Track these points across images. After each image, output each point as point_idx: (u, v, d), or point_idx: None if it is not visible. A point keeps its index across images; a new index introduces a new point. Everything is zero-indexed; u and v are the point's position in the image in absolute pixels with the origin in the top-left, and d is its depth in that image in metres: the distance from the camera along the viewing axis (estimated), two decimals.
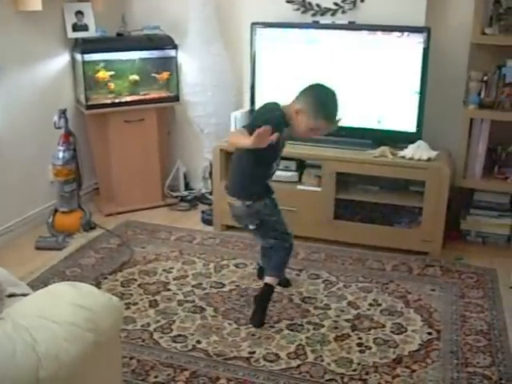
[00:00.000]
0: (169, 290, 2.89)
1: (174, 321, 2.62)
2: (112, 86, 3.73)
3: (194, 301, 2.79)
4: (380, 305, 2.76)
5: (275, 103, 2.55)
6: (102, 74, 3.67)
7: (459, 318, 2.65)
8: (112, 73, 3.70)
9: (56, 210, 3.47)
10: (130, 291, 2.88)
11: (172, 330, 2.56)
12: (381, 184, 3.39)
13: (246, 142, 2.32)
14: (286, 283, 2.90)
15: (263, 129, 2.22)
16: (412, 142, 3.25)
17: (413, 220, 3.30)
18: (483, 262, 3.19)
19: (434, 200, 3.12)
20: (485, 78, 3.23)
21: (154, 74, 3.85)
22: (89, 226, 3.54)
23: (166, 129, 4.04)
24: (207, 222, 3.66)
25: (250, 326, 2.58)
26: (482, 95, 3.23)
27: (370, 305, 2.76)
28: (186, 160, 4.15)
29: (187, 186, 4.16)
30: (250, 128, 2.38)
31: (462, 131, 3.23)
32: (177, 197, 4.06)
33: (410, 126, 3.29)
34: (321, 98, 2.49)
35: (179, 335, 2.52)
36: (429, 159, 3.14)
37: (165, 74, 3.83)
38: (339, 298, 2.82)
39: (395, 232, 3.28)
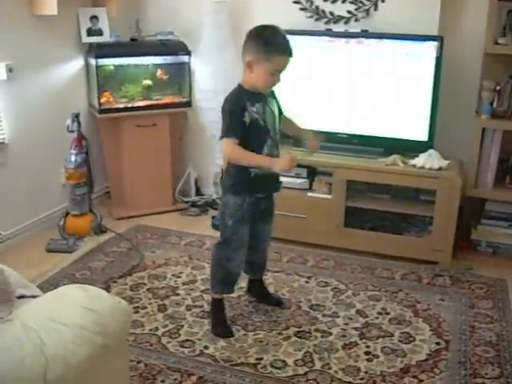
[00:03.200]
0: (178, 294, 2.90)
1: (182, 325, 2.63)
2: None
3: (202, 306, 2.79)
4: (388, 313, 2.75)
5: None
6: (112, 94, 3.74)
7: (468, 328, 2.64)
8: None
9: (67, 213, 3.49)
10: (138, 295, 2.89)
11: (180, 334, 2.56)
12: (391, 192, 3.38)
13: (275, 164, 2.31)
14: (276, 302, 2.82)
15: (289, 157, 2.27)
16: (423, 151, 3.24)
17: (423, 229, 3.29)
18: (493, 272, 3.17)
19: (444, 209, 3.11)
20: (497, 88, 3.22)
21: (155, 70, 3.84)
22: (99, 230, 3.56)
23: (179, 134, 4.06)
24: (217, 227, 3.66)
25: (259, 332, 2.58)
26: (495, 105, 3.22)
27: (379, 313, 2.75)
28: (197, 165, 4.16)
29: (198, 192, 4.16)
30: (233, 135, 2.33)
31: (475, 141, 3.22)
32: (187, 202, 4.07)
33: (422, 135, 3.28)
34: (263, 36, 2.33)
35: (187, 340, 2.52)
36: (440, 168, 3.13)
37: (161, 72, 3.84)
38: (348, 306, 2.81)
39: (405, 241, 3.27)
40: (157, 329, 2.60)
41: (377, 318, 2.71)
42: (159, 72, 3.83)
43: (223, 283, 2.63)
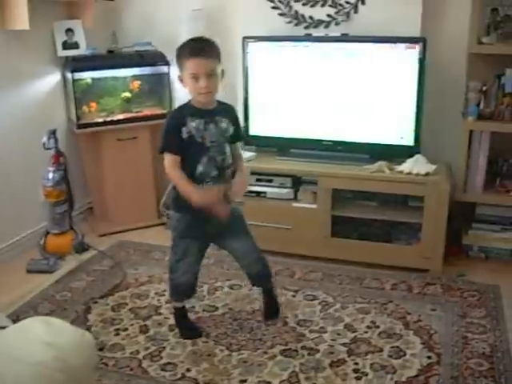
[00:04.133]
0: (160, 314, 2.80)
1: (164, 347, 2.53)
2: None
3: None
4: (378, 327, 2.65)
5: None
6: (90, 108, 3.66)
7: (460, 339, 2.54)
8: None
9: (47, 232, 3.39)
10: (120, 316, 2.79)
11: (162, 357, 2.46)
12: (379, 199, 3.29)
13: (192, 196, 2.33)
14: (271, 313, 2.74)
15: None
16: (410, 156, 3.16)
17: (412, 236, 3.20)
18: (486, 278, 3.07)
19: (433, 216, 3.02)
20: (484, 89, 3.13)
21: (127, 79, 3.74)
22: (82, 248, 3.46)
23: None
24: None
25: (243, 351, 2.48)
26: (481, 106, 3.13)
27: (368, 327, 2.65)
28: None
29: None
30: (168, 150, 2.39)
31: (461, 144, 3.13)
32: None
33: (408, 140, 3.20)
34: (178, 47, 2.39)
35: (168, 363, 2.42)
36: (427, 174, 3.04)
37: (135, 83, 3.74)
38: (336, 320, 2.71)
39: (394, 249, 3.18)
40: (138, 352, 2.50)
41: (366, 332, 2.61)
42: (136, 84, 3.74)
43: (173, 292, 2.63)
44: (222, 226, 2.48)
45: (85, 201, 3.97)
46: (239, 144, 2.61)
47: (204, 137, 2.37)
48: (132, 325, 2.71)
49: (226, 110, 2.46)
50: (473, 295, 2.91)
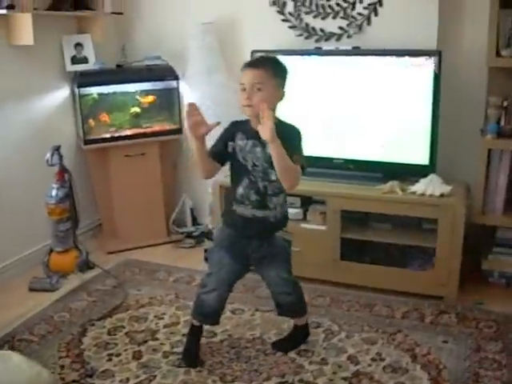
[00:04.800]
0: (156, 339, 2.69)
1: (155, 376, 2.42)
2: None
3: (180, 353, 2.58)
4: (383, 359, 2.48)
5: None
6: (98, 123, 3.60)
7: (472, 376, 2.35)
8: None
9: (51, 250, 3.33)
10: (115, 340, 2.69)
11: None
12: (392, 221, 3.11)
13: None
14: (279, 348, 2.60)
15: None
16: (425, 176, 2.98)
17: (426, 261, 3.01)
18: (506, 307, 2.86)
19: (448, 239, 2.84)
20: (505, 104, 2.94)
21: (137, 97, 3.68)
22: (86, 266, 3.38)
23: (172, 162, 3.88)
24: None
25: (237, 383, 2.35)
26: (502, 123, 2.94)
27: (373, 359, 2.48)
28: (193, 194, 3.97)
29: (195, 221, 3.97)
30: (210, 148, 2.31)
31: (480, 163, 2.93)
32: (183, 233, 3.88)
33: (423, 159, 3.02)
34: None
35: None
36: (442, 195, 2.86)
37: (149, 98, 3.67)
38: (339, 350, 2.55)
39: (407, 274, 3.00)
40: (127, 380, 2.39)
41: (370, 365, 2.44)
42: (145, 99, 3.67)
43: (195, 307, 2.49)
44: (264, 251, 2.35)
45: (94, 217, 3.91)
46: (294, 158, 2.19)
47: (246, 158, 2.25)
48: (126, 350, 2.61)
49: (283, 134, 2.11)
50: (489, 326, 2.71)
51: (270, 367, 2.45)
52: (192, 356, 2.49)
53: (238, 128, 2.29)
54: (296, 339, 2.61)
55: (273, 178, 2.24)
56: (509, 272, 3.06)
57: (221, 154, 2.29)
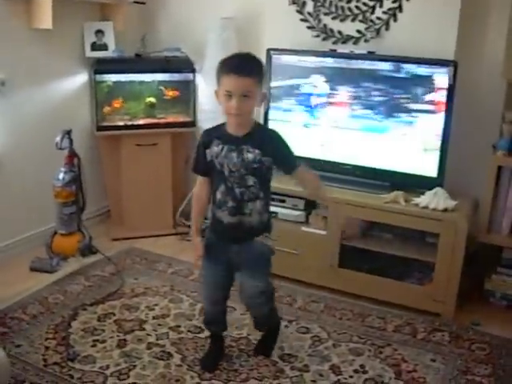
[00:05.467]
0: (143, 329, 2.69)
1: (135, 366, 2.42)
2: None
3: (164, 345, 2.57)
4: (366, 372, 2.42)
5: None
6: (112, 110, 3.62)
7: None
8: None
9: (55, 232, 3.38)
10: (103, 327, 2.70)
11: (129, 376, 2.35)
12: (394, 231, 3.05)
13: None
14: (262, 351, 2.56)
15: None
16: (432, 188, 2.90)
17: (425, 276, 2.93)
18: (503, 330, 2.77)
19: (448, 255, 2.76)
20: None
21: (161, 87, 3.69)
22: (88, 251, 3.42)
23: (185, 155, 3.87)
24: None
25: (214, 381, 2.34)
26: None
27: (355, 371, 2.43)
28: None
29: None
30: (195, 170, 2.33)
31: (488, 180, 2.84)
32: (189, 226, 3.87)
33: (431, 171, 2.94)
34: (221, 60, 2.19)
35: (134, 383, 2.31)
36: (445, 209, 2.78)
37: (173, 92, 3.67)
38: (323, 359, 2.51)
39: (405, 287, 2.93)
40: (107, 367, 2.40)
41: (351, 376, 2.39)
42: (169, 91, 3.67)
43: (204, 317, 2.52)
44: (243, 256, 2.29)
45: (103, 204, 3.94)
46: (299, 169, 2.25)
47: (222, 164, 2.19)
48: (112, 337, 2.62)
49: (262, 139, 2.17)
50: (482, 348, 2.62)
51: (250, 368, 2.43)
52: (208, 361, 2.45)
53: (212, 134, 2.25)
54: (273, 337, 2.56)
55: (250, 183, 2.20)
56: (511, 294, 2.96)
57: (206, 167, 2.25)
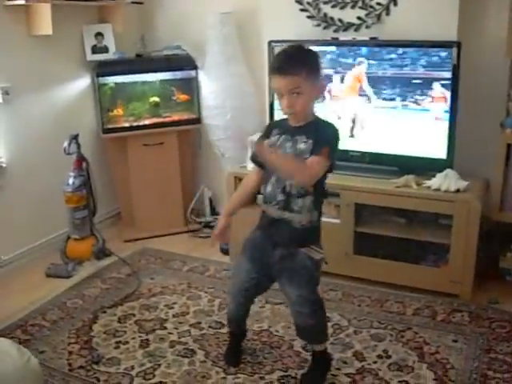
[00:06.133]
0: (165, 328, 2.71)
1: (160, 365, 2.44)
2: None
3: (186, 343, 2.59)
4: (390, 357, 2.44)
5: None
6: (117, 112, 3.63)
7: (479, 378, 2.29)
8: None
9: (68, 237, 3.39)
10: (124, 328, 2.72)
11: (155, 375, 2.37)
12: (407, 215, 3.05)
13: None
14: None
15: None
16: (442, 170, 2.91)
17: (441, 258, 2.94)
18: None
19: (463, 236, 2.77)
20: None
21: (172, 89, 3.71)
22: (103, 254, 3.43)
23: (191, 152, 3.88)
24: (225, 251, 3.46)
25: (239, 375, 2.35)
26: None
27: (379, 356, 2.44)
28: (212, 184, 3.97)
29: (213, 211, 3.97)
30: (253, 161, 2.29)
31: (499, 158, 2.83)
32: (200, 222, 3.89)
33: (440, 153, 2.95)
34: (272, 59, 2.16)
35: (160, 382, 2.33)
36: (457, 190, 2.79)
37: (184, 96, 3.69)
38: (345, 346, 2.52)
39: (421, 270, 2.94)
40: (132, 368, 2.42)
41: (375, 362, 2.41)
42: (181, 95, 3.71)
43: (227, 312, 2.50)
44: (284, 265, 2.18)
45: (113, 206, 3.96)
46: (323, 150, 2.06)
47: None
48: (134, 338, 2.64)
49: (316, 129, 2.08)
50: (503, 326, 2.63)
51: (274, 360, 2.45)
52: (230, 356, 2.47)
53: (274, 125, 2.24)
54: (319, 370, 2.35)
55: None
56: None
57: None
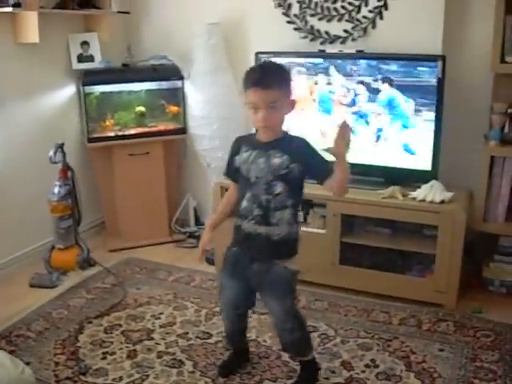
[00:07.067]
0: (152, 338, 2.70)
1: (148, 375, 2.42)
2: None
3: (174, 353, 2.58)
4: (377, 366, 2.46)
5: None
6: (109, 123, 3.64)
7: None
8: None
9: (53, 247, 3.36)
10: (111, 338, 2.70)
11: None
12: (392, 226, 3.09)
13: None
14: None
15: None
16: (427, 182, 2.95)
17: (426, 268, 2.98)
18: (505, 316, 2.82)
19: (447, 247, 2.81)
20: (509, 111, 2.90)
21: (163, 102, 3.72)
22: (87, 264, 3.41)
23: (175, 162, 3.88)
24: (210, 261, 3.45)
25: None
26: (506, 130, 2.91)
27: (366, 366, 2.46)
28: (196, 194, 3.97)
29: (198, 221, 3.97)
30: (227, 175, 2.33)
31: (483, 170, 2.90)
32: (185, 232, 3.88)
33: (425, 164, 3.00)
34: (245, 72, 2.10)
35: None
36: (442, 201, 2.84)
37: (174, 108, 3.71)
38: (333, 356, 2.54)
39: (407, 280, 2.97)
40: (121, 378, 2.41)
41: (363, 371, 2.43)
42: (172, 107, 3.72)
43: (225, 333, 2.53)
44: (262, 278, 2.18)
45: (98, 215, 3.93)
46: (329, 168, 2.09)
47: (249, 170, 2.13)
48: (121, 349, 2.62)
49: (289, 145, 2.10)
50: (487, 335, 2.67)
51: (262, 370, 2.45)
52: (224, 369, 2.45)
53: (242, 141, 2.22)
54: (307, 380, 2.37)
55: (277, 191, 2.10)
56: (510, 281, 3.02)
57: (235, 173, 2.22)
